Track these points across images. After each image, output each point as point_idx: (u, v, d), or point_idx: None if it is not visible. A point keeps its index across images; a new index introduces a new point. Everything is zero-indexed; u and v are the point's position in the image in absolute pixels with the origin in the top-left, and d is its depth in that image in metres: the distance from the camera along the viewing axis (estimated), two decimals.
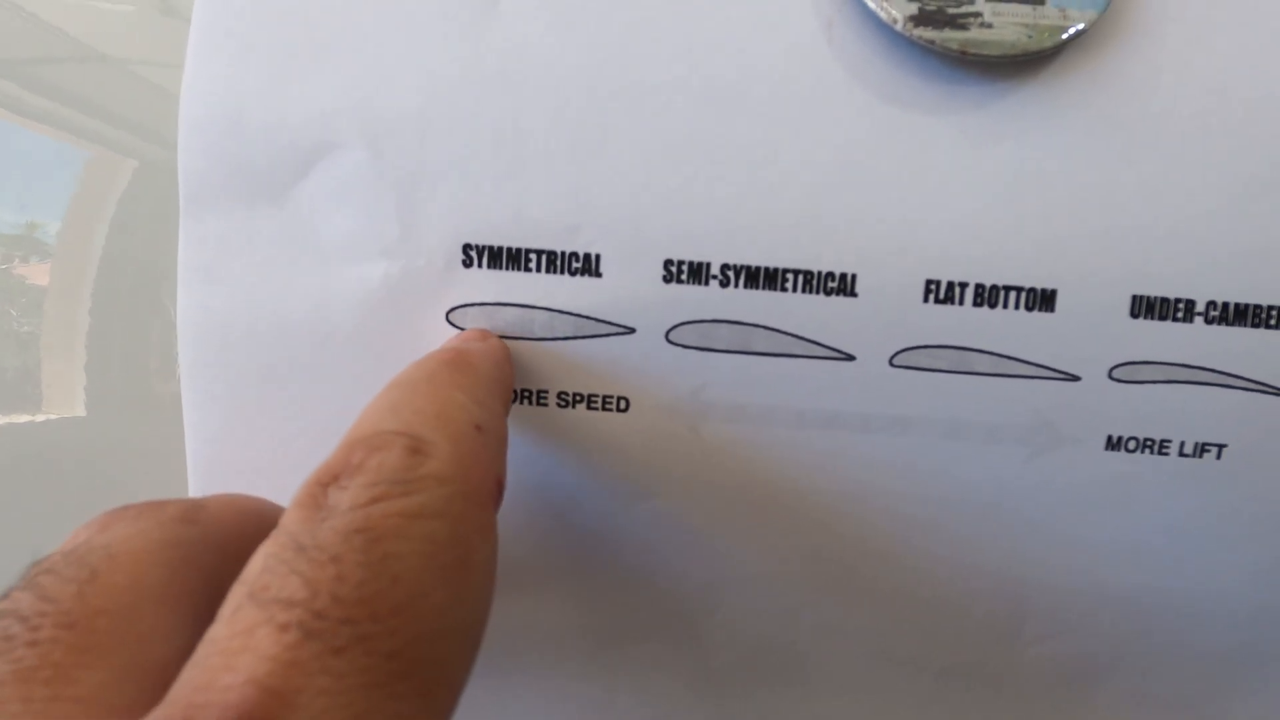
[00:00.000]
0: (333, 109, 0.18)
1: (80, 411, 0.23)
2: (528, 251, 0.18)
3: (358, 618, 0.11)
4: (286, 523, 0.12)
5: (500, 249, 0.18)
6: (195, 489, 0.19)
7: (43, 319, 0.23)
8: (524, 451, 0.19)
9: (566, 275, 0.18)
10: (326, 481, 0.13)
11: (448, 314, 0.18)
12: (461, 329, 0.18)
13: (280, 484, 0.18)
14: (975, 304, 0.18)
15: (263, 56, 0.18)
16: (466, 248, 0.18)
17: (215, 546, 0.14)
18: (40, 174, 0.22)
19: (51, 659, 0.11)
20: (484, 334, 0.18)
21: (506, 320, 0.18)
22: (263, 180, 0.18)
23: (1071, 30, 0.17)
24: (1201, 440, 0.18)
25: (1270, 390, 0.18)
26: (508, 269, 0.18)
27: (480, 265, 0.18)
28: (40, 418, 0.23)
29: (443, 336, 0.18)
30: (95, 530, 0.14)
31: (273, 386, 0.19)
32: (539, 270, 0.18)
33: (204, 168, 0.18)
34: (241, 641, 0.11)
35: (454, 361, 0.16)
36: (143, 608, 0.13)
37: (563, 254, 0.18)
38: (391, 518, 0.12)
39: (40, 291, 0.23)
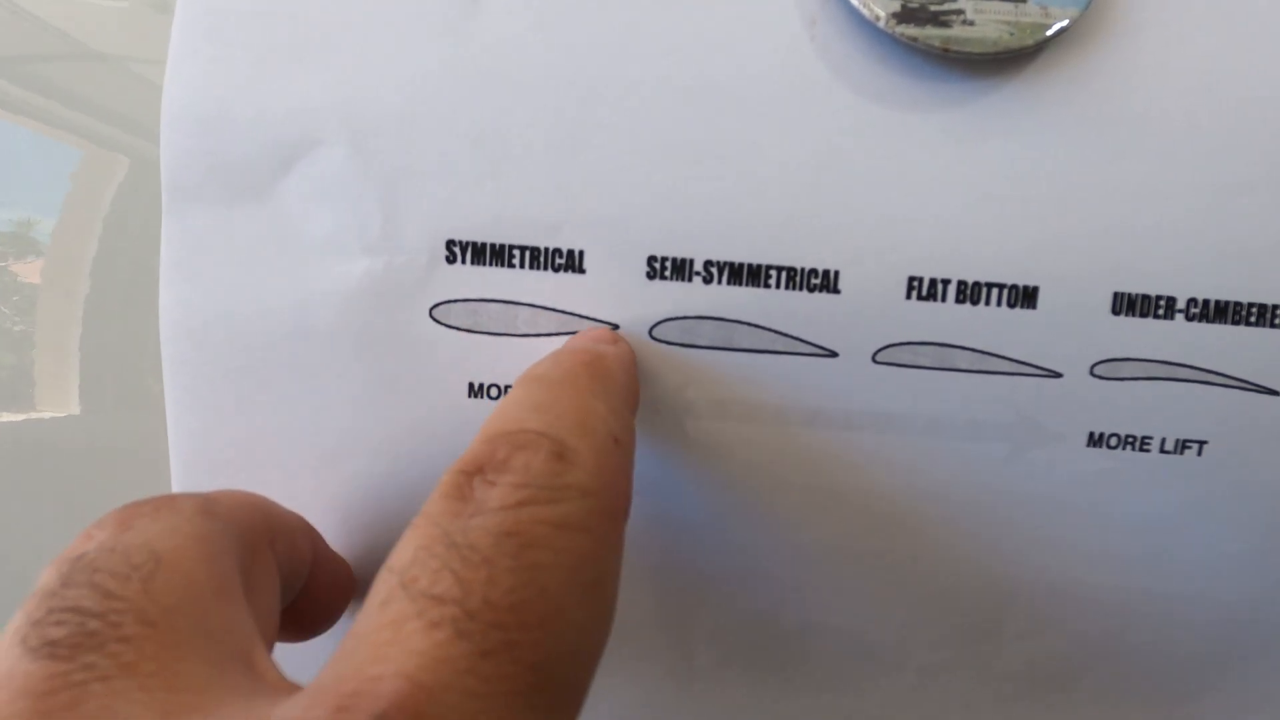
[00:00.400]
0: (315, 105, 0.18)
1: (74, 409, 0.23)
2: (511, 248, 0.18)
3: (508, 624, 0.11)
4: (433, 512, 0.12)
5: (483, 245, 0.18)
6: (178, 485, 0.19)
7: (36, 317, 0.23)
8: None
9: (550, 271, 0.18)
10: (471, 471, 0.13)
11: (431, 310, 0.18)
12: (445, 325, 0.18)
13: (262, 480, 0.18)
14: (957, 301, 0.18)
15: (245, 53, 0.18)
16: (450, 244, 0.18)
17: (236, 537, 0.14)
18: (33, 171, 0.23)
19: (147, 653, 0.11)
20: (615, 336, 0.18)
21: (490, 316, 0.18)
22: (245, 176, 0.18)
23: (1054, 28, 0.17)
24: (1182, 437, 0.18)
25: (1250, 387, 0.18)
26: (491, 265, 0.18)
27: (463, 261, 0.18)
28: (34, 416, 0.23)
29: (426, 333, 0.18)
30: (116, 528, 0.13)
31: (254, 382, 0.19)
32: (522, 266, 0.18)
33: (186, 164, 0.18)
34: (390, 634, 0.11)
35: (593, 365, 0.16)
36: (206, 602, 0.12)
37: (546, 250, 0.18)
38: (540, 525, 0.12)
39: (34, 289, 0.23)
